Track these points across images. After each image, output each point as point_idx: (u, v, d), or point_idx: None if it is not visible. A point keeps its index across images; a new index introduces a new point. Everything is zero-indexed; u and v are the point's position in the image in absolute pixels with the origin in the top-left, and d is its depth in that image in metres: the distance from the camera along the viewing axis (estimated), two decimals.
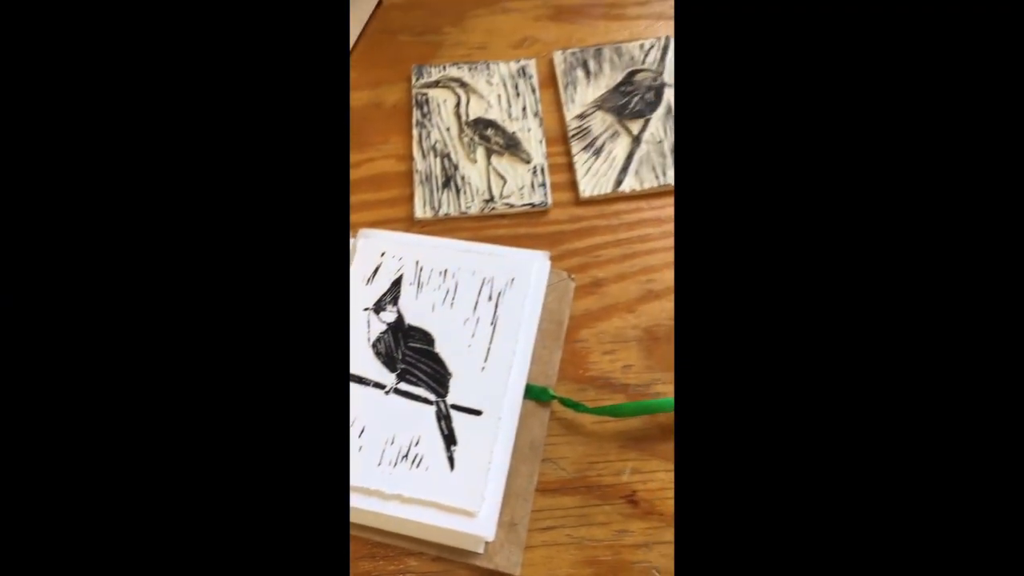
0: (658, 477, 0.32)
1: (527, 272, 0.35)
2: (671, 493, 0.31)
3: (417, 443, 0.31)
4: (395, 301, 0.35)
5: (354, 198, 0.40)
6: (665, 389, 0.34)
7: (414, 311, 0.35)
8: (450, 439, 0.31)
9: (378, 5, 0.47)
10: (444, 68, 0.44)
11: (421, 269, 0.36)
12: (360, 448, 0.31)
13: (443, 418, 0.32)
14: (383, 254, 0.36)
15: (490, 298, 0.35)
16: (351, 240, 0.37)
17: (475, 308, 0.34)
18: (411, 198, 0.40)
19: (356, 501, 0.30)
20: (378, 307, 0.35)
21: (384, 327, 0.34)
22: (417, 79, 0.44)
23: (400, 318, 0.35)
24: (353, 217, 0.40)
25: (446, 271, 0.36)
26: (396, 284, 0.36)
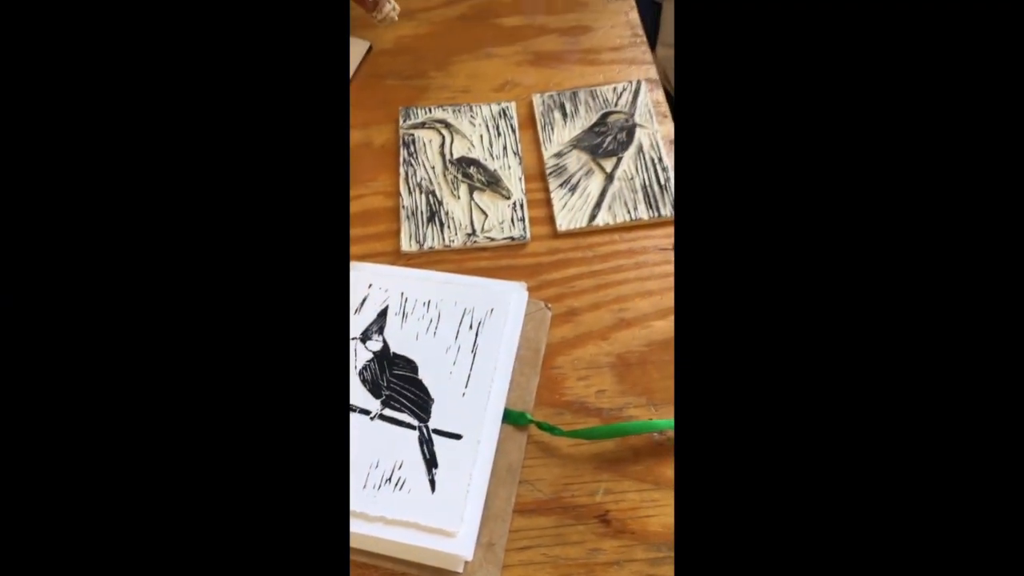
0: (629, 497, 0.33)
1: (506, 302, 0.37)
2: (642, 512, 0.33)
3: (400, 467, 0.33)
4: (381, 331, 0.37)
5: None
6: (637, 412, 0.36)
7: (399, 340, 0.37)
8: (431, 462, 0.33)
9: (368, 50, 0.50)
10: (430, 110, 0.47)
11: (406, 300, 0.38)
12: None
13: (425, 442, 0.33)
14: (370, 286, 0.38)
15: (471, 327, 0.37)
16: None
17: (456, 336, 0.36)
18: (398, 232, 0.42)
19: None
20: (364, 336, 0.37)
21: (370, 356, 0.36)
22: (404, 120, 0.47)
23: (385, 346, 0.36)
24: None
25: (429, 302, 0.38)
26: (382, 315, 0.38)
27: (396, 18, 0.41)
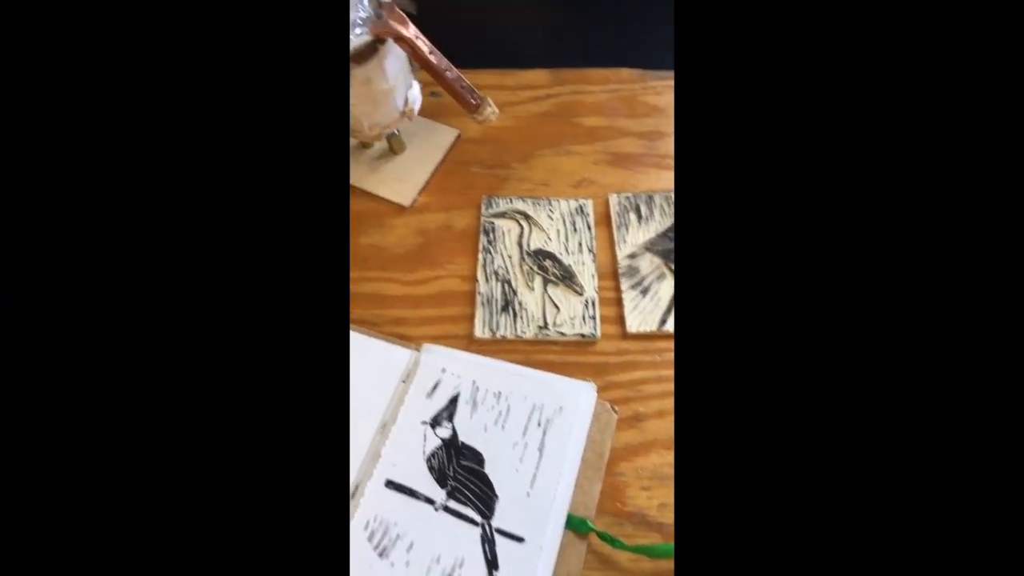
0: None
1: (575, 402, 0.38)
2: None
3: (461, 565, 0.33)
4: (451, 418, 0.38)
5: (420, 312, 0.44)
6: None
7: (468, 429, 0.37)
8: (492, 564, 0.33)
9: (457, 138, 0.53)
10: (511, 201, 0.49)
11: (477, 389, 0.39)
12: (408, 563, 0.33)
13: (487, 542, 0.33)
14: (443, 370, 0.40)
15: (539, 424, 0.37)
16: (415, 352, 0.41)
17: (524, 432, 0.37)
18: (472, 317, 0.44)
19: None
20: (435, 422, 0.38)
21: (439, 442, 0.37)
22: (486, 209, 0.49)
23: (454, 435, 0.37)
24: (418, 330, 0.43)
25: (500, 393, 0.38)
26: (453, 401, 0.39)
27: (494, 120, 0.44)
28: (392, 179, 0.51)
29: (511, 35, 0.60)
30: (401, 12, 0.39)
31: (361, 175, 0.51)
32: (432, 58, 0.40)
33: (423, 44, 0.39)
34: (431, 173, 0.51)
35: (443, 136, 0.53)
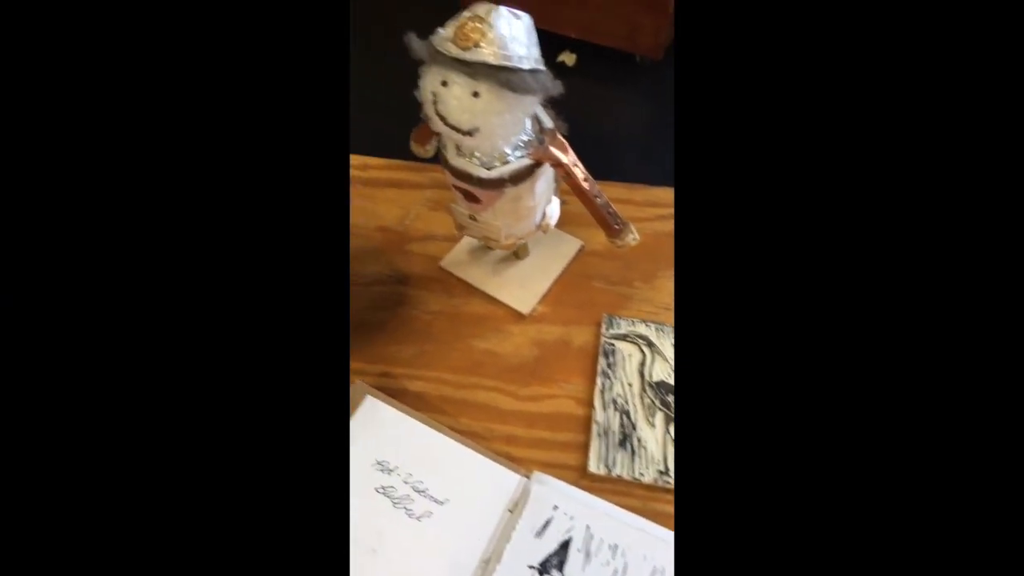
0: None
1: None
2: None
3: None
4: (561, 567, 0.35)
5: (532, 433, 0.42)
6: None
7: None
8: None
9: (580, 250, 0.53)
10: (633, 323, 0.48)
11: (592, 536, 0.36)
12: None
13: None
14: (555, 507, 0.37)
15: None
16: (524, 479, 0.39)
17: None
18: (586, 447, 0.41)
19: None
20: (544, 568, 0.35)
21: None
22: (607, 328, 0.48)
23: None
24: (528, 453, 0.41)
25: (617, 547, 0.35)
26: (564, 547, 0.36)
27: (633, 245, 0.44)
28: (514, 284, 0.50)
29: (642, 149, 0.61)
30: (562, 139, 0.40)
31: (483, 276, 0.51)
32: (586, 185, 0.40)
33: (579, 171, 0.40)
34: (552, 282, 0.51)
35: (567, 246, 0.53)
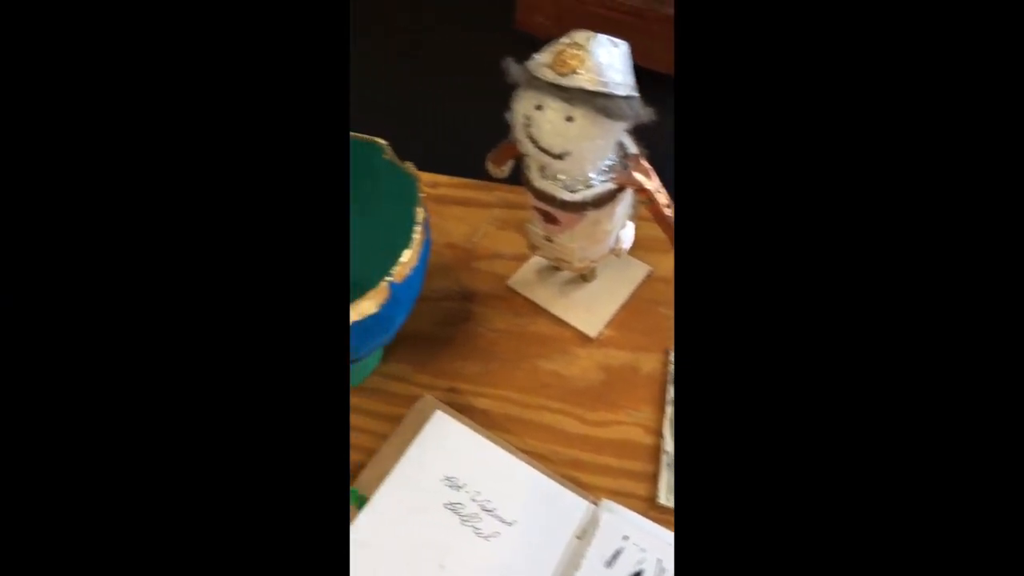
0: None
1: None
2: None
3: None
4: None
5: (599, 459, 0.42)
6: None
7: None
8: None
9: (648, 275, 0.53)
10: None
11: (663, 571, 0.35)
12: None
13: None
14: (625, 538, 0.36)
15: None
16: (593, 506, 0.38)
17: None
18: (654, 477, 0.41)
19: None
20: None
21: None
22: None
23: None
24: (595, 479, 0.41)
25: None
26: None
27: None
28: (580, 307, 0.50)
29: None
30: (646, 164, 0.40)
31: (549, 297, 0.51)
32: (667, 211, 0.40)
33: (663, 197, 0.40)
34: (619, 307, 0.50)
35: (634, 271, 0.53)
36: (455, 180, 0.62)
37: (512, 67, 0.36)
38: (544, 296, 0.51)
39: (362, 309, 0.33)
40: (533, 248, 0.47)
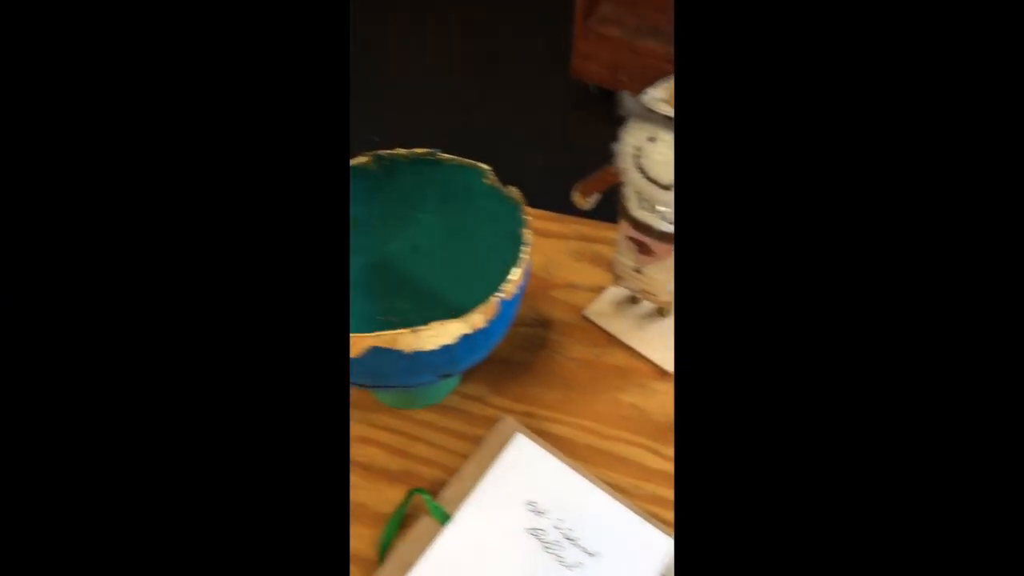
0: None
1: None
2: None
3: None
4: None
5: None
6: None
7: None
8: None
9: None
10: None
11: None
12: None
13: None
14: None
15: None
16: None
17: None
18: None
19: None
20: None
21: None
22: None
23: None
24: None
25: None
26: None
27: None
28: (657, 341, 0.50)
29: None
30: None
31: (626, 330, 0.51)
32: None
33: None
34: None
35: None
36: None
37: (626, 100, 0.37)
38: (620, 328, 0.51)
39: (473, 322, 0.33)
40: (618, 279, 0.48)
